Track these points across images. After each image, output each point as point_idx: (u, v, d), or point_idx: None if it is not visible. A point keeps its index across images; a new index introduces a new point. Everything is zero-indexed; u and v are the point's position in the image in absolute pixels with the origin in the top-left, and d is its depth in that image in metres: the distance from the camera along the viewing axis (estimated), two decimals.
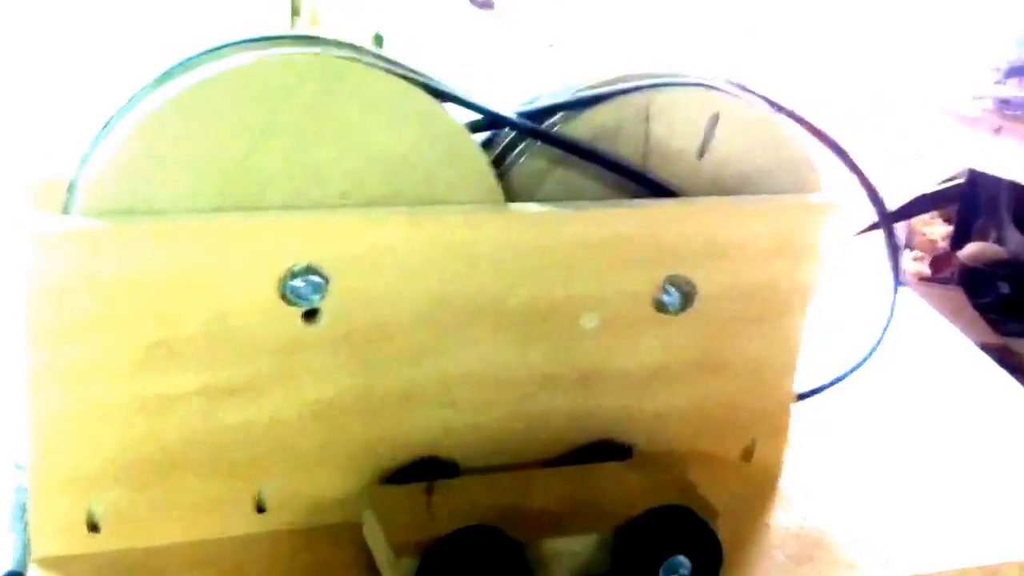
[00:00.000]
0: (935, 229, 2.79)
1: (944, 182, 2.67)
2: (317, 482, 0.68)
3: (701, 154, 0.73)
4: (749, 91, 0.74)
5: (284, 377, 0.65)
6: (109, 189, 0.61)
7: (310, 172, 0.64)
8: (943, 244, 2.73)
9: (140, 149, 0.61)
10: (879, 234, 0.81)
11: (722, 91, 0.73)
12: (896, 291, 0.80)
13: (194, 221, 0.62)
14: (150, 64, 0.66)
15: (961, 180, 2.64)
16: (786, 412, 0.78)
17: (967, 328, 1.07)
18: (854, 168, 0.77)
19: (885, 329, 0.80)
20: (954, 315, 1.10)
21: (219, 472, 0.66)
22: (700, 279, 0.71)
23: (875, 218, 0.80)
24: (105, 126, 0.64)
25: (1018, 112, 2.09)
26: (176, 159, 0.62)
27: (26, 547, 0.65)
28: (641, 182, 0.71)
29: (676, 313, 0.72)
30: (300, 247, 0.63)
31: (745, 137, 0.73)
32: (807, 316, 0.75)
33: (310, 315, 0.65)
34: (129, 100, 0.64)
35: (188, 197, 0.62)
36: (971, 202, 2.61)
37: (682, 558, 0.63)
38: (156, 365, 0.63)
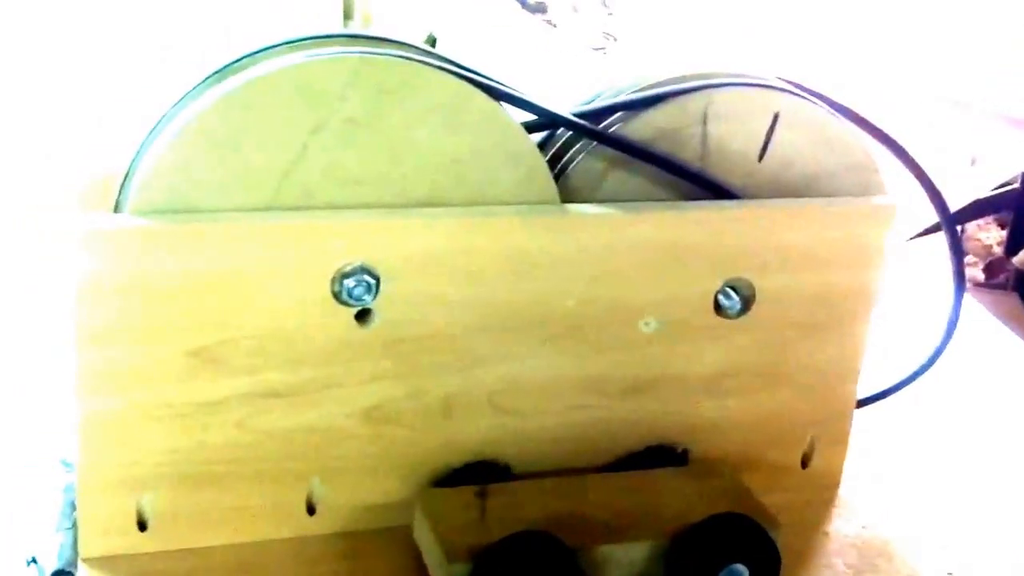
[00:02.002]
0: (990, 234, 2.76)
1: (999, 187, 2.64)
2: (368, 486, 0.67)
3: (761, 155, 0.71)
4: (809, 91, 0.73)
5: (334, 381, 0.65)
6: (160, 189, 0.61)
7: (362, 173, 0.63)
8: (998, 249, 2.70)
9: (189, 149, 0.61)
10: (935, 237, 0.80)
11: (782, 91, 0.72)
12: (960, 295, 0.78)
13: (247, 221, 0.61)
14: (204, 63, 0.65)
15: (1016, 185, 2.61)
16: (847, 419, 0.76)
17: (1022, 334, 1.05)
18: (916, 170, 0.76)
19: (950, 333, 0.78)
20: (1008, 320, 1.09)
21: (269, 475, 0.65)
22: (761, 283, 0.70)
23: (932, 221, 0.79)
24: (156, 125, 0.64)
25: None
26: (226, 159, 0.61)
27: (75, 547, 0.64)
28: (700, 184, 0.70)
29: (736, 317, 0.70)
30: (353, 248, 0.62)
31: (806, 138, 0.72)
32: (871, 322, 0.74)
33: (362, 316, 0.64)
34: (181, 99, 0.64)
35: (239, 197, 0.62)
36: None
37: (740, 567, 0.62)
38: (206, 367, 0.62)
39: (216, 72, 0.64)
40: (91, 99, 1.37)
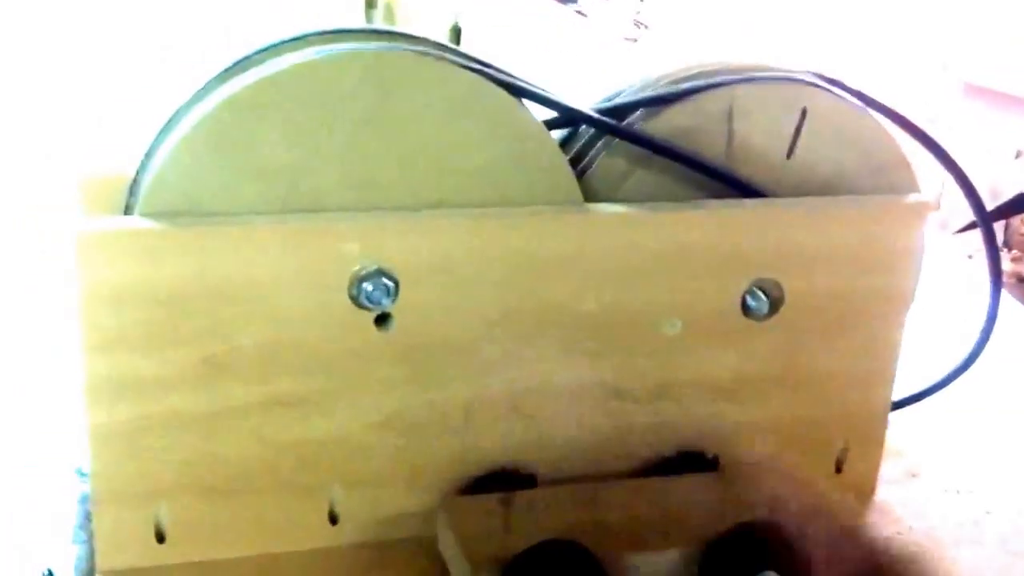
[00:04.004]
0: None
1: None
2: (390, 495, 0.66)
3: (789, 153, 0.70)
4: (840, 84, 0.71)
5: (352, 388, 0.63)
6: (170, 191, 0.60)
7: (376, 173, 0.62)
8: None
9: (200, 151, 0.60)
10: (974, 233, 0.78)
11: (811, 85, 0.70)
12: (997, 293, 0.76)
13: (261, 224, 0.60)
14: (210, 62, 0.64)
15: None
16: (881, 423, 0.74)
17: None
18: (950, 165, 0.74)
19: (987, 333, 0.76)
20: None
21: (288, 485, 0.64)
22: (789, 284, 0.68)
23: (970, 219, 0.77)
24: (166, 126, 0.63)
25: None
26: (237, 160, 0.60)
27: (91, 559, 0.63)
28: (726, 182, 0.68)
29: (763, 319, 0.69)
30: (369, 251, 0.61)
31: (836, 135, 0.70)
32: (904, 323, 0.72)
33: (381, 320, 0.63)
34: (191, 97, 0.63)
35: (251, 199, 0.61)
36: None
37: (772, 575, 0.60)
38: (219, 375, 0.61)
39: (225, 70, 0.63)
40: (91, 99, 1.37)
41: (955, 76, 2.35)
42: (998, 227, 2.45)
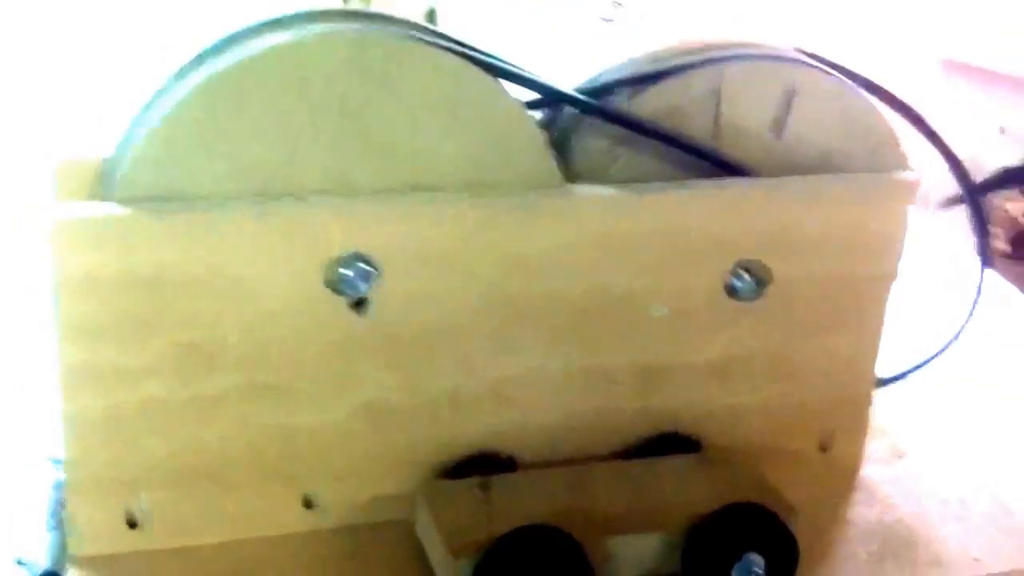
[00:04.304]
0: (1017, 205, 2.73)
1: None
2: (368, 481, 0.66)
3: (777, 131, 0.69)
4: (826, 62, 0.70)
5: (332, 375, 0.63)
6: (146, 178, 0.59)
7: (357, 156, 0.61)
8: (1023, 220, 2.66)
9: (175, 137, 0.59)
10: (958, 209, 0.77)
11: (798, 63, 0.69)
12: (983, 270, 0.76)
13: (239, 209, 0.59)
14: (192, 43, 0.63)
15: None
16: (866, 402, 0.74)
17: None
18: (937, 142, 0.73)
19: (972, 310, 0.76)
20: None
21: (265, 472, 0.64)
22: (776, 264, 0.68)
23: (955, 193, 0.76)
24: (141, 112, 0.62)
25: None
26: (214, 146, 0.59)
27: (64, 545, 0.63)
28: (712, 162, 0.67)
29: (749, 300, 0.68)
30: (347, 235, 0.60)
31: (824, 113, 0.69)
32: (890, 302, 0.71)
33: (359, 305, 0.62)
34: (165, 84, 0.62)
35: (229, 185, 0.60)
36: None
37: (756, 557, 0.60)
38: (196, 363, 0.60)
39: (202, 54, 0.62)
40: (91, 99, 1.37)
41: (934, 53, 2.35)
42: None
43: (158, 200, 0.58)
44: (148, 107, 0.62)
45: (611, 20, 2.22)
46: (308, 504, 0.65)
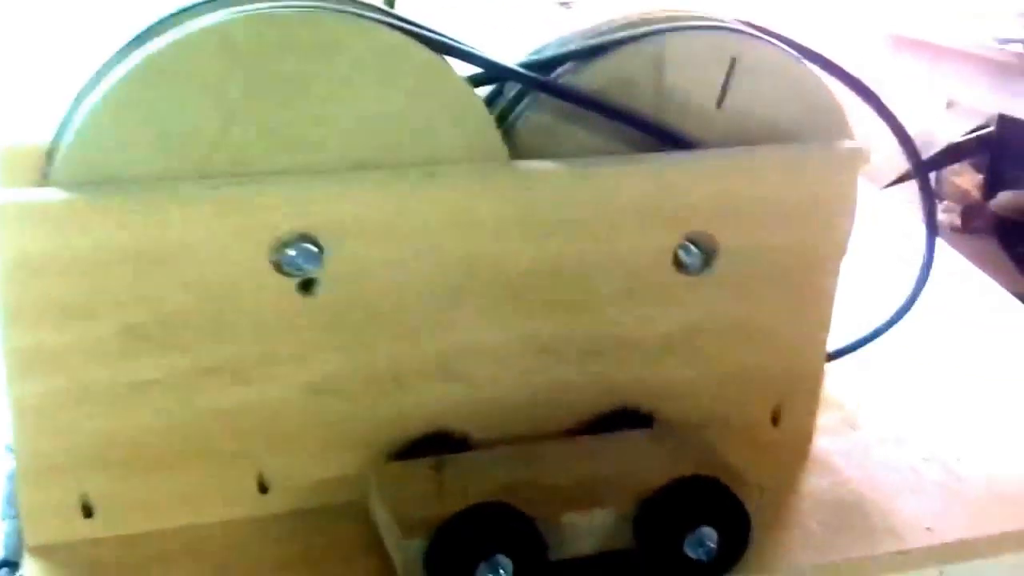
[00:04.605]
0: (966, 179, 2.75)
1: (974, 130, 2.63)
2: (321, 462, 0.65)
3: (720, 103, 0.69)
4: (770, 33, 0.70)
5: (277, 355, 0.62)
6: (85, 160, 0.58)
7: (298, 136, 0.61)
8: (975, 194, 2.69)
9: (113, 118, 0.58)
10: (909, 186, 0.78)
11: (740, 33, 0.69)
12: (932, 241, 0.76)
13: (178, 190, 0.58)
14: (129, 24, 0.62)
15: (992, 128, 2.59)
16: (818, 374, 0.74)
17: (1001, 279, 1.03)
18: (885, 113, 0.73)
19: (922, 281, 0.76)
20: (988, 266, 1.07)
21: (215, 455, 0.63)
22: (723, 236, 0.68)
23: (904, 169, 0.77)
24: (79, 94, 0.61)
25: None
26: (152, 126, 0.58)
27: (20, 534, 0.62)
28: (656, 135, 0.67)
29: (697, 273, 0.68)
30: (291, 215, 0.60)
31: (767, 84, 0.69)
32: (839, 273, 0.71)
33: (306, 286, 0.61)
34: (103, 65, 0.61)
35: (168, 165, 0.59)
36: (1002, 150, 2.57)
37: (709, 530, 0.60)
38: (141, 345, 0.60)
39: (140, 35, 0.61)
40: (37, 83, 1.35)
41: (882, 28, 2.36)
42: (930, 178, 2.47)
43: (98, 183, 0.58)
44: (86, 90, 0.61)
45: (568, 5, 2.21)
46: (262, 487, 0.65)
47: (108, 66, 0.61)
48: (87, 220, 0.57)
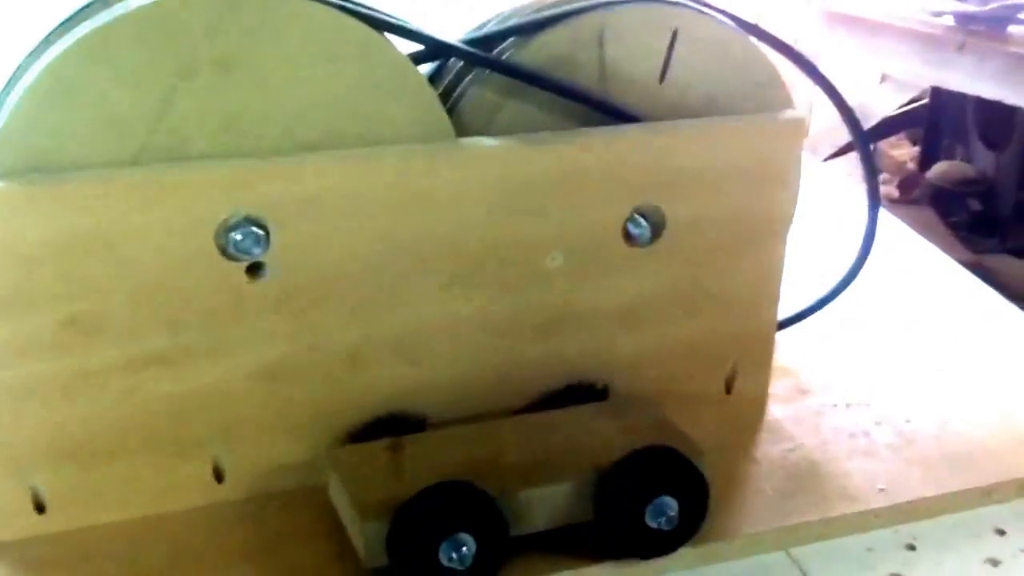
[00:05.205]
0: (902, 151, 2.78)
1: (909, 103, 2.65)
2: (276, 448, 0.65)
3: (662, 77, 0.69)
4: (709, 6, 0.70)
5: (226, 341, 0.62)
6: (18, 147, 0.57)
7: (238, 117, 0.60)
8: (911, 165, 2.71)
9: (45, 103, 0.57)
10: (848, 158, 0.78)
11: (680, 6, 0.69)
12: (875, 210, 0.76)
13: (116, 176, 0.57)
14: (61, 7, 0.61)
15: (925, 100, 2.62)
16: (769, 342, 0.75)
17: (940, 248, 1.05)
18: (825, 85, 0.74)
19: (866, 249, 0.76)
20: (925, 235, 1.08)
21: (166, 444, 0.62)
22: (670, 208, 0.68)
23: (841, 144, 0.77)
24: (10, 81, 0.59)
25: (980, 27, 2.06)
26: (86, 110, 0.57)
27: None
28: (600, 109, 0.67)
29: (646, 245, 0.68)
30: (235, 198, 0.59)
31: (708, 57, 0.69)
32: (786, 242, 0.72)
33: (254, 270, 0.61)
34: (33, 50, 0.60)
35: (105, 150, 0.58)
36: (937, 121, 2.60)
37: (668, 499, 0.60)
38: (82, 336, 0.59)
39: (69, 18, 0.60)
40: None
41: (816, 4, 2.37)
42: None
43: (33, 171, 0.57)
44: (17, 76, 0.60)
45: None
46: (218, 475, 0.64)
47: (37, 51, 0.60)
48: (19, 211, 0.56)
